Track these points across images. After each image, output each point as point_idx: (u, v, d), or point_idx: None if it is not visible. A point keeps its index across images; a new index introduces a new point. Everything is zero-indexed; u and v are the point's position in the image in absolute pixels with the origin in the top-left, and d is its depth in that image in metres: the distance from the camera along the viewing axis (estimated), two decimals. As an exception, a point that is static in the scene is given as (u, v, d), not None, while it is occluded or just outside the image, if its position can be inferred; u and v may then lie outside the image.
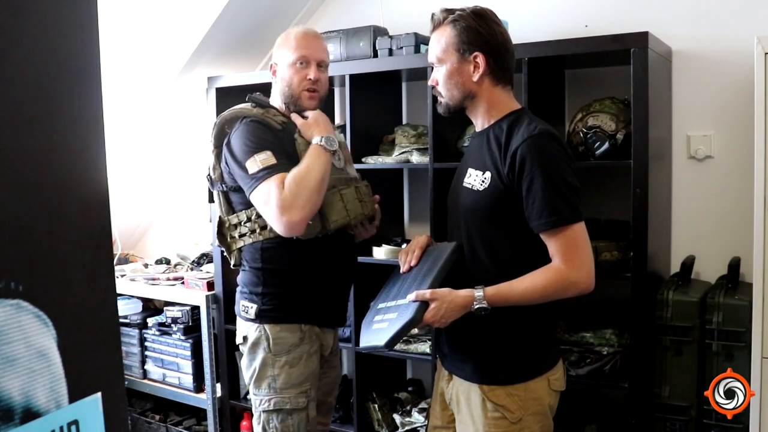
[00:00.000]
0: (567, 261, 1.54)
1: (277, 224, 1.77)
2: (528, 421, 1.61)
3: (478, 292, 1.56)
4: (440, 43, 1.66)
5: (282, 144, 1.85)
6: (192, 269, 3.24)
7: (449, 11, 1.66)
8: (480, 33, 1.63)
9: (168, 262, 3.37)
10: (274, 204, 1.74)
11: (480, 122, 1.71)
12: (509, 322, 1.62)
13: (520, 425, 1.60)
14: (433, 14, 1.69)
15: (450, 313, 1.58)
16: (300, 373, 1.88)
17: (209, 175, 1.97)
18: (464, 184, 1.67)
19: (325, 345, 1.97)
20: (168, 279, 3.14)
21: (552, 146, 1.57)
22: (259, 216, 1.86)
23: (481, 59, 1.63)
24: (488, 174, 1.61)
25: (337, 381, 2.11)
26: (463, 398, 1.67)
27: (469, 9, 1.66)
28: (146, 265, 3.37)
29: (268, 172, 1.77)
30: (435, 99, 1.76)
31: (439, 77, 1.68)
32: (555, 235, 1.54)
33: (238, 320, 1.98)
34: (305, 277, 1.90)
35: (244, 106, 1.95)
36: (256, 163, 1.78)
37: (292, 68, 1.90)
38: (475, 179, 1.64)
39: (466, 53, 1.63)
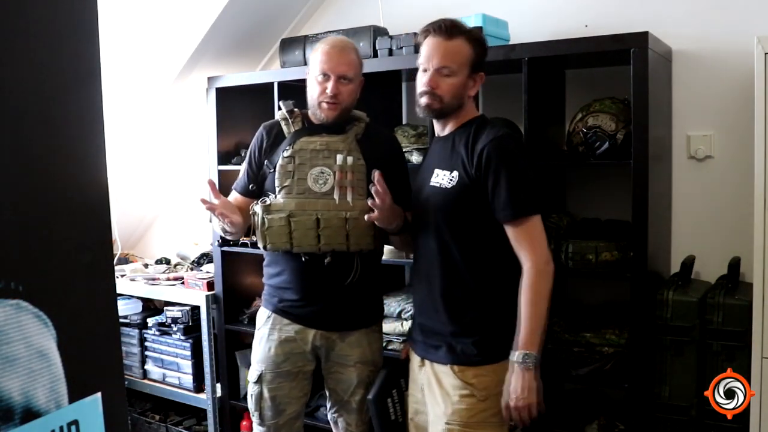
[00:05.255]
0: (532, 250, 1.70)
1: None
2: (493, 400, 1.74)
3: (515, 356, 1.68)
4: (458, 55, 1.76)
5: (264, 157, 2.07)
6: (192, 269, 3.24)
7: (463, 26, 1.78)
8: (485, 55, 1.82)
9: (168, 262, 3.37)
10: None
11: (448, 127, 1.85)
12: (479, 309, 1.78)
13: (486, 404, 1.74)
14: (443, 24, 1.76)
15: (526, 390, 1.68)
16: (257, 352, 2.11)
17: None
18: (432, 184, 1.82)
19: (302, 339, 2.06)
20: (168, 279, 3.14)
21: (514, 146, 1.76)
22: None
23: (481, 79, 1.82)
24: (456, 173, 1.76)
25: (349, 384, 2.09)
26: (435, 379, 1.81)
27: (475, 30, 1.87)
28: (146, 265, 3.37)
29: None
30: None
31: (444, 84, 1.76)
32: (519, 224, 1.71)
33: None
34: (274, 278, 2.10)
35: (278, 111, 2.14)
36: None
37: (315, 81, 2.02)
38: (443, 178, 1.79)
39: (474, 72, 1.79)
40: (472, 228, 1.77)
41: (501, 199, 1.70)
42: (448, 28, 1.75)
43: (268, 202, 1.98)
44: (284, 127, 2.07)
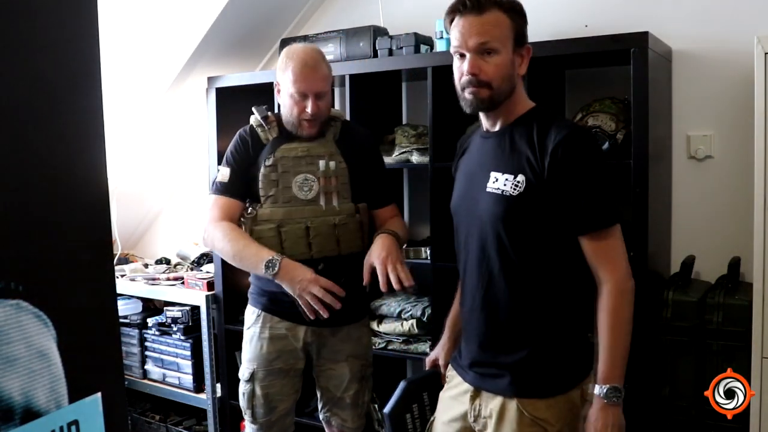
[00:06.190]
0: (612, 267, 1.49)
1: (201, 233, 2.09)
2: (566, 430, 1.53)
3: (597, 389, 1.49)
4: (497, 28, 1.48)
5: (250, 161, 2.02)
6: (192, 269, 3.24)
7: None
8: (526, 25, 1.55)
9: (168, 262, 3.37)
10: (205, 221, 2.05)
11: (500, 121, 1.57)
12: (544, 329, 1.55)
13: None
14: None
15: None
16: (248, 351, 2.10)
17: None
18: (489, 190, 1.53)
19: (293, 336, 2.06)
20: (168, 279, 3.14)
21: (593, 144, 1.53)
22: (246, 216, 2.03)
23: (528, 53, 1.55)
24: (522, 177, 1.48)
25: (341, 380, 2.11)
26: (497, 414, 1.55)
27: None
28: (146, 265, 3.37)
29: (217, 188, 2.04)
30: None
31: (488, 67, 1.48)
32: (599, 237, 1.48)
33: None
34: (264, 279, 2.00)
35: (252, 117, 2.08)
36: (219, 173, 2.06)
37: (291, 99, 1.98)
38: (506, 183, 1.50)
39: (520, 45, 1.52)
40: (542, 241, 1.51)
41: (579, 208, 1.46)
42: (477, 2, 1.46)
43: (254, 213, 1.98)
44: (260, 134, 2.05)
